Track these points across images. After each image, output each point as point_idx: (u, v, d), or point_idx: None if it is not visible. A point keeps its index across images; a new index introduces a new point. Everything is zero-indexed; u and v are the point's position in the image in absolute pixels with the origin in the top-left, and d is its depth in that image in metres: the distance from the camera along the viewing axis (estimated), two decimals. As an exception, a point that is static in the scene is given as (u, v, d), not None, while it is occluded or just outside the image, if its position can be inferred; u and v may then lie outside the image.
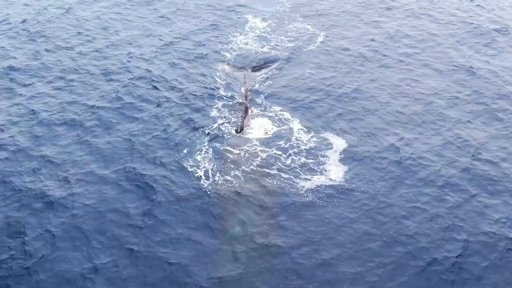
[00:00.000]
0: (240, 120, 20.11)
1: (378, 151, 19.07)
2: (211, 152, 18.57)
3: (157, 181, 17.29)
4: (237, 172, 17.77)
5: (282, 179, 17.57)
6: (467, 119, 20.87)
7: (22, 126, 19.76)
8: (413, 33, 27.74)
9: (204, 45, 25.99)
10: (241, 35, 27.16)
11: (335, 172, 18.01)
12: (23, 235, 15.25)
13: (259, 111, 21.05)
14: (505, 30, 27.86)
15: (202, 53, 25.18)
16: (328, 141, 19.43)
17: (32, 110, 20.58)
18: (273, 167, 18.06)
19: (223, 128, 19.86)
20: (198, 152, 18.55)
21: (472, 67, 24.33)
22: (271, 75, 23.63)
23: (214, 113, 20.75)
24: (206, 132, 19.54)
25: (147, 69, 23.64)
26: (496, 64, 24.74)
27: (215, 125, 19.99)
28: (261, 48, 26.00)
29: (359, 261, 14.96)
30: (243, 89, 22.13)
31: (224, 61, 24.57)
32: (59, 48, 25.18)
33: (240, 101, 21.45)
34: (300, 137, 19.55)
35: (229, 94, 22.05)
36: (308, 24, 28.45)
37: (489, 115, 21.09)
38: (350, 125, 20.40)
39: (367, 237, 15.69)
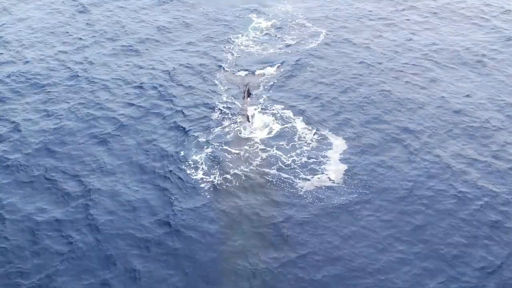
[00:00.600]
0: (245, 120, 20.19)
1: (378, 151, 19.17)
2: (212, 154, 18.73)
3: (157, 184, 17.51)
4: (237, 171, 17.91)
5: (282, 179, 17.69)
6: (476, 123, 20.78)
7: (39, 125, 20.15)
8: (420, 34, 27.71)
9: (206, 47, 26.09)
10: (243, 36, 27.26)
11: (334, 172, 18.10)
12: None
13: (260, 111, 21.15)
14: None
15: (203, 55, 25.29)
16: (328, 141, 19.53)
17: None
18: (273, 167, 18.18)
19: (224, 130, 20.01)
20: (199, 154, 18.70)
21: (483, 61, 24.26)
22: (273, 77, 23.69)
23: (215, 116, 20.86)
24: (207, 134, 19.70)
25: (147, 71, 23.82)
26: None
27: (217, 128, 20.12)
28: (263, 49, 26.06)
29: (356, 263, 15.03)
30: (245, 91, 22.17)
31: (226, 63, 24.63)
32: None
33: (242, 103, 21.51)
34: (301, 137, 19.65)
35: (231, 96, 22.18)
36: (311, 24, 28.45)
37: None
38: (351, 125, 20.48)
39: (367, 238, 15.76)
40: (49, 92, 22.11)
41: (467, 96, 22.30)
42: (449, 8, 30.54)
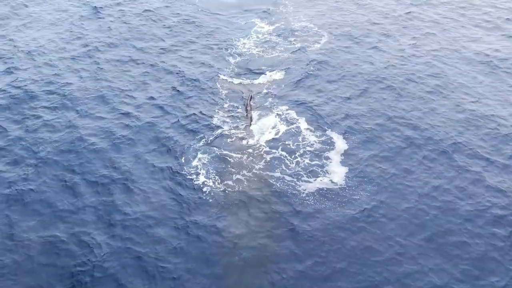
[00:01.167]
0: (248, 125, 20.27)
1: (382, 154, 19.17)
2: (214, 157, 18.79)
3: (157, 186, 17.57)
4: (239, 176, 17.92)
5: (285, 182, 17.71)
6: (483, 124, 20.68)
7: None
8: (428, 36, 27.62)
9: (208, 51, 26.16)
10: (245, 39, 27.30)
11: (337, 174, 18.09)
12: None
13: (262, 113, 21.22)
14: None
15: (205, 59, 25.36)
16: (331, 142, 19.53)
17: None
18: (276, 170, 18.19)
19: (226, 133, 20.06)
20: (200, 157, 18.74)
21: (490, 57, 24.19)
22: (276, 80, 23.72)
23: (216, 119, 20.91)
24: (208, 139, 19.74)
25: (148, 73, 23.93)
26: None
27: (219, 131, 20.18)
28: (266, 52, 26.11)
29: (361, 265, 15.04)
30: (248, 98, 22.16)
31: (228, 67, 24.69)
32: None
33: (245, 106, 21.59)
34: (304, 139, 19.66)
35: (232, 99, 22.24)
36: (315, 27, 28.45)
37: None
38: (354, 126, 20.47)
39: (368, 241, 15.75)
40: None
41: (478, 99, 22.14)
42: (458, 12, 30.51)
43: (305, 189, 17.45)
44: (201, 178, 17.81)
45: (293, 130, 20.20)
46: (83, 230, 16.00)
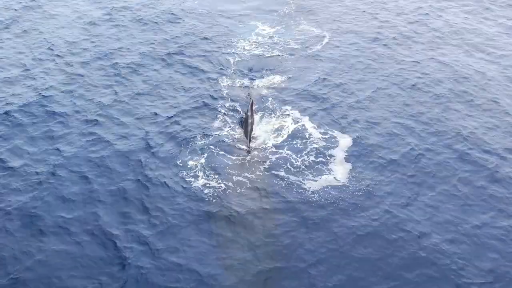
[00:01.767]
0: (247, 139, 19.75)
1: (385, 152, 18.91)
2: (214, 158, 18.55)
3: (157, 190, 17.29)
4: (240, 178, 17.67)
5: (290, 181, 17.47)
6: (487, 124, 20.38)
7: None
8: (427, 34, 27.48)
9: (208, 52, 25.97)
10: (246, 41, 27.14)
11: (341, 172, 17.83)
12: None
13: (264, 115, 20.98)
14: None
15: (205, 61, 25.15)
16: (335, 142, 19.28)
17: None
18: (280, 169, 17.98)
19: (227, 135, 19.80)
20: (199, 161, 18.45)
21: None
22: (278, 80, 23.52)
23: (217, 123, 20.62)
24: (207, 141, 19.47)
25: (148, 76, 23.75)
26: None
27: (219, 133, 19.93)
28: (267, 53, 25.93)
29: (366, 264, 14.73)
30: (249, 97, 21.95)
31: (229, 69, 24.51)
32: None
33: (246, 111, 21.17)
34: (307, 138, 19.44)
35: (233, 102, 21.96)
36: (316, 28, 28.28)
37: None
38: (359, 126, 20.22)
39: (375, 240, 15.45)
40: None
41: (471, 99, 21.92)
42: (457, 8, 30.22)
43: (309, 188, 17.18)
44: (201, 181, 17.55)
45: (298, 130, 19.93)
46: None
